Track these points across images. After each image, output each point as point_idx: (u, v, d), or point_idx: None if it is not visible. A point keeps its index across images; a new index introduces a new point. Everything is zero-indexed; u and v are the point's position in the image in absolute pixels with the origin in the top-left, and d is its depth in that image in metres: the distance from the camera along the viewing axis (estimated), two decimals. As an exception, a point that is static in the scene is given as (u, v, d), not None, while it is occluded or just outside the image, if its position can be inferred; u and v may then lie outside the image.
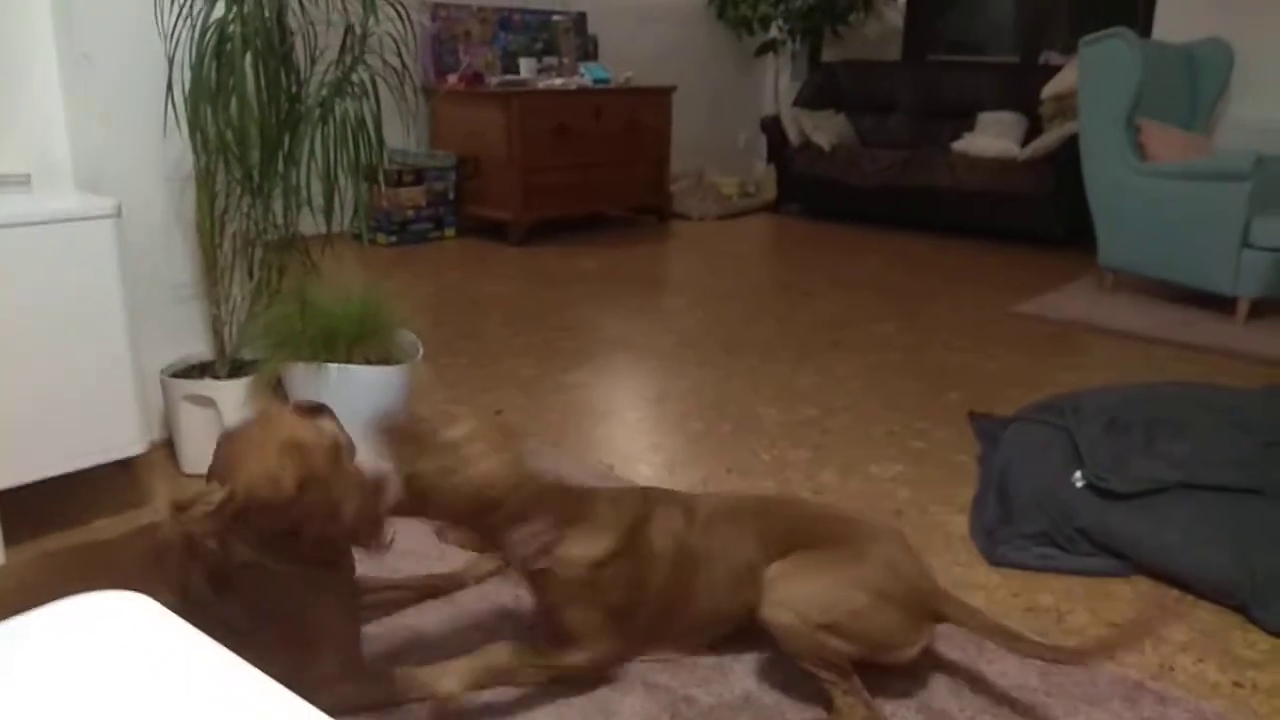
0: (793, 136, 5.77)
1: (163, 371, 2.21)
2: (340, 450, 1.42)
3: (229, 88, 2.00)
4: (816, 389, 3.00)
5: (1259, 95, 4.29)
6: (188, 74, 2.04)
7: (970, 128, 5.52)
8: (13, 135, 2.11)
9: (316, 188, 2.19)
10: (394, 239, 4.85)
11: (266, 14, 2.02)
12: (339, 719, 1.46)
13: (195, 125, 2.06)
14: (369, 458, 1.47)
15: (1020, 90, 5.48)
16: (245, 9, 2.00)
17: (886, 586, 1.47)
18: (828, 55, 6.55)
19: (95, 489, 2.19)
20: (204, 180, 2.15)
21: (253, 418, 1.44)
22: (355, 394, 2.20)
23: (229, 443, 1.39)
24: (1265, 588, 1.81)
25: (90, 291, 1.88)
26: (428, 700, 1.45)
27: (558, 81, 5.17)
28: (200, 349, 2.36)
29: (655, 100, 5.47)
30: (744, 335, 3.59)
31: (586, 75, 5.33)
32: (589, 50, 5.69)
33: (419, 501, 1.42)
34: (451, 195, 5.05)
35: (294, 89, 2.09)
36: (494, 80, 5.03)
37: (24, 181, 2.08)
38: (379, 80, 2.17)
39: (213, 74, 1.99)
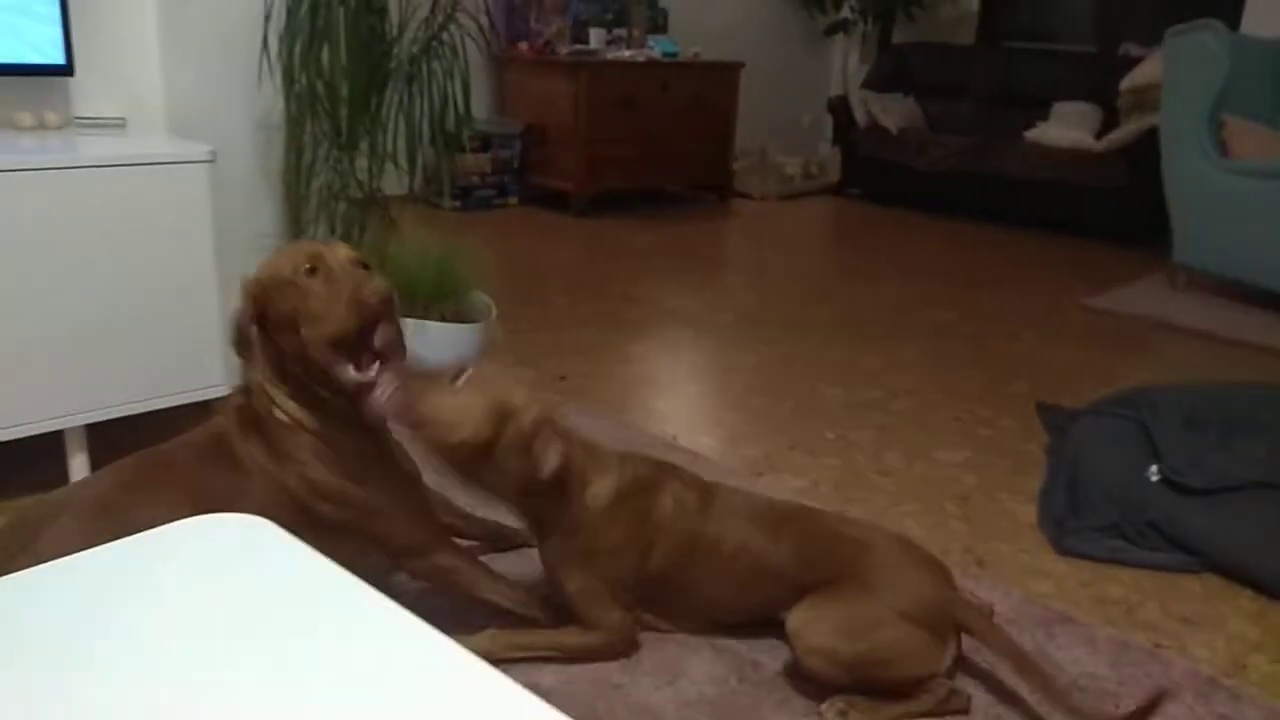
0: (860, 118, 5.70)
1: (244, 318, 2.26)
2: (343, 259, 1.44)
3: (323, 39, 2.02)
4: (879, 372, 2.98)
5: (1352, 94, 4.15)
6: (283, 23, 2.07)
7: (1044, 117, 5.40)
8: (109, 79, 2.15)
9: (400, 146, 2.22)
10: (458, 204, 4.88)
11: (362, -32, 2.04)
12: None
13: (288, 75, 2.09)
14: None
15: (1097, 81, 5.35)
16: (342, -38, 2.03)
17: (904, 606, 1.45)
18: (899, 37, 6.45)
19: (174, 429, 2.24)
20: (293, 131, 2.18)
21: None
22: (431, 349, 2.23)
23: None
24: (1345, 593, 1.78)
25: (182, 235, 1.92)
26: None
27: (626, 53, 5.15)
28: (279, 299, 2.40)
29: (723, 76, 5.43)
30: (805, 315, 3.57)
31: (655, 48, 5.31)
32: (659, 23, 5.66)
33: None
34: (516, 164, 5.07)
35: (386, 45, 2.11)
36: (564, 49, 5.03)
37: (119, 124, 2.13)
38: (467, 41, 2.18)
39: (308, 24, 2.01)
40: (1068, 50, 6.05)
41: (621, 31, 5.37)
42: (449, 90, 2.20)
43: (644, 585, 1.56)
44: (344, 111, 2.13)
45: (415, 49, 2.13)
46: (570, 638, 1.54)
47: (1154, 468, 2.07)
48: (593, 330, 3.22)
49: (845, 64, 6.73)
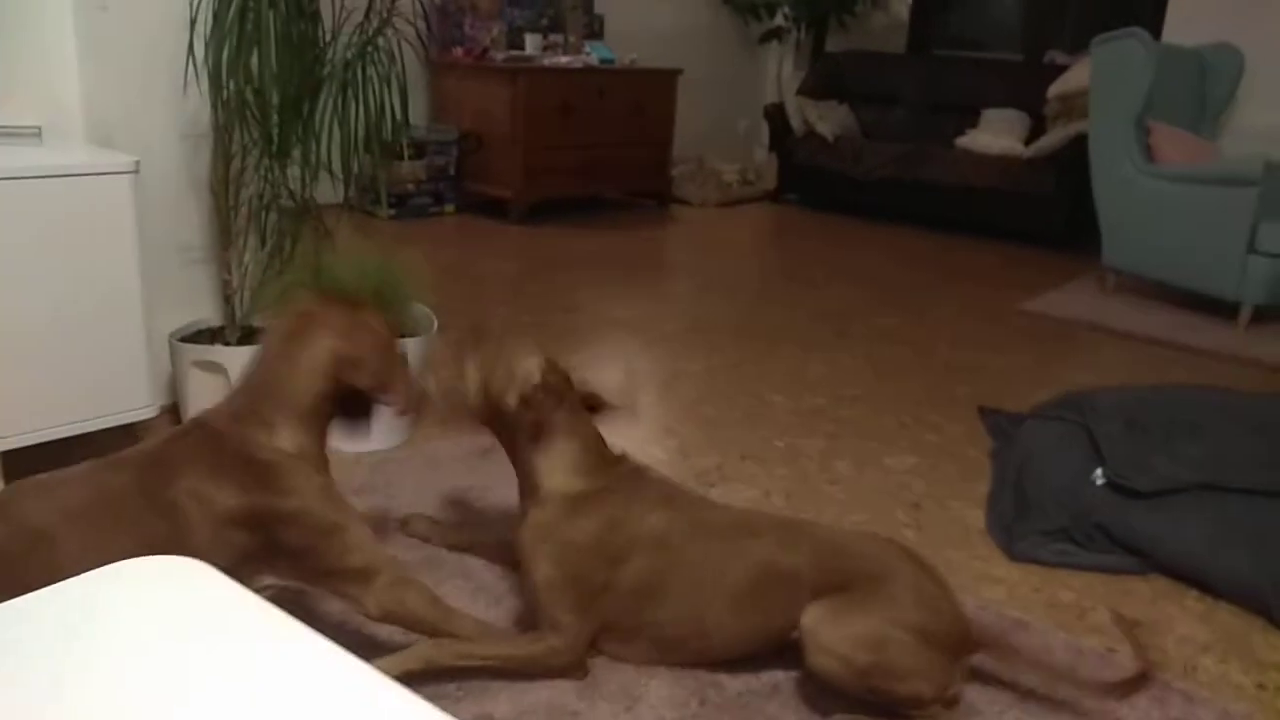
0: (796, 126, 5.74)
1: (171, 336, 2.16)
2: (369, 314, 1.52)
3: (253, 44, 1.94)
4: (825, 379, 2.98)
5: (1269, 101, 4.31)
6: (209, 28, 1.98)
7: (974, 124, 5.51)
8: (23, 85, 2.04)
9: (334, 154, 2.14)
10: (393, 213, 4.78)
11: (293, -30, 1.96)
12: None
13: (215, 81, 2.00)
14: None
15: (1024, 88, 5.47)
16: (272, -37, 1.95)
17: (924, 623, 1.43)
18: (832, 45, 6.51)
19: (98, 452, 2.13)
20: (221, 140, 2.09)
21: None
22: (370, 366, 2.15)
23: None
24: (1287, 591, 1.81)
25: (104, 250, 1.82)
26: None
27: (563, 59, 5.10)
28: (208, 314, 2.30)
29: (660, 83, 5.42)
30: (750, 322, 3.57)
31: (592, 54, 5.27)
32: (594, 29, 5.62)
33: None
34: (452, 171, 4.99)
35: (319, 50, 2.04)
36: (499, 55, 4.96)
37: (35, 134, 2.01)
38: (404, 46, 2.12)
39: (236, 29, 1.93)
40: (996, 59, 6.18)
41: (557, 38, 5.32)
42: (385, 96, 2.13)
43: (616, 607, 1.51)
44: (275, 119, 2.04)
45: (350, 54, 2.05)
46: (518, 648, 1.50)
47: (1099, 471, 2.10)
48: (537, 341, 3.15)
49: (780, 71, 6.78)
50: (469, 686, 1.47)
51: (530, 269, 4.13)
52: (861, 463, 2.40)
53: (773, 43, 6.63)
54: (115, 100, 2.09)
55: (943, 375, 3.07)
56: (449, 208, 5.02)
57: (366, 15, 2.09)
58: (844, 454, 2.45)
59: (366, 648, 1.51)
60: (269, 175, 2.12)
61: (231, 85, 1.99)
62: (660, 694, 1.50)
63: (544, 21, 5.39)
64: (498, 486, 2.08)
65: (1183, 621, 1.82)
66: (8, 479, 1.86)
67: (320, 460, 1.46)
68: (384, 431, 2.26)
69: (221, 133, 2.08)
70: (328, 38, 2.09)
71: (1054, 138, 5.05)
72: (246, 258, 2.21)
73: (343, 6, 2.05)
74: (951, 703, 1.45)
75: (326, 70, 2.05)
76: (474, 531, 1.89)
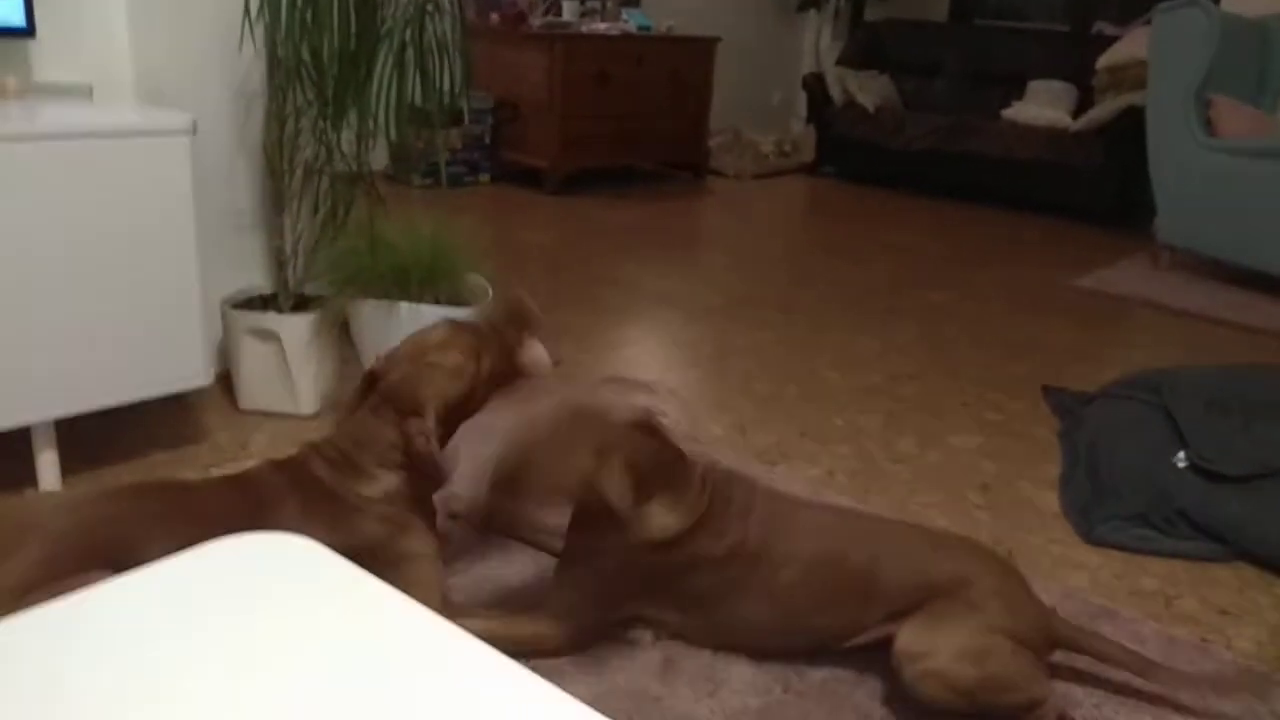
0: (836, 96, 5.61)
1: (224, 302, 2.10)
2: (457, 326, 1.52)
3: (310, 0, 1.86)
4: (878, 355, 2.90)
5: (1335, 74, 4.16)
6: (266, -16, 1.91)
7: (1019, 95, 5.37)
8: (73, 43, 1.97)
9: (389, 118, 2.07)
10: (429, 181, 4.71)
11: (351, -77, 1.89)
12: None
13: (271, 39, 1.93)
14: None
15: (1071, 59, 5.33)
16: (329, -84, 1.87)
17: (1014, 626, 1.35)
18: (871, 14, 6.37)
19: (150, 423, 2.09)
20: (275, 101, 2.02)
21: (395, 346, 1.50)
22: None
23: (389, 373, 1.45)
24: (1385, 581, 1.74)
25: (160, 213, 1.76)
26: None
27: (601, 26, 5.00)
28: (259, 281, 2.25)
29: (698, 51, 5.30)
30: (795, 297, 3.49)
31: (630, 22, 5.16)
32: (631, -4, 5.51)
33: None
34: (488, 140, 4.90)
35: (376, 6, 1.96)
36: (537, 21, 4.86)
37: (85, 93, 1.95)
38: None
39: (294, -16, 1.85)
40: (1041, 29, 6.03)
41: (595, 4, 5.22)
42: (445, 58, 2.05)
43: (670, 604, 1.46)
44: (331, 79, 1.97)
45: (410, 11, 1.97)
46: (523, 627, 1.44)
47: (1181, 454, 2.02)
48: (580, 314, 3.09)
49: (818, 40, 6.64)
50: (543, 667, 1.42)
51: (567, 240, 4.06)
52: (925, 441, 2.33)
53: (810, 11, 6.49)
54: (167, 58, 2.02)
55: (999, 352, 2.99)
56: (484, 177, 4.95)
57: (425, -29, 2.01)
58: (905, 432, 2.38)
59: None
60: (324, 138, 2.05)
61: (289, 43, 1.92)
62: (743, 679, 1.45)
63: (580, -13, 5.28)
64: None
65: (1272, 611, 1.75)
66: (61, 448, 1.81)
67: (412, 503, 1.44)
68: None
69: (276, 93, 2.01)
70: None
71: (1103, 110, 4.91)
72: (300, 223, 2.14)
73: (401, -38, 1.97)
74: (1061, 715, 1.38)
75: (385, 28, 1.97)
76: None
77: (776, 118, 6.70)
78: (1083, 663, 1.50)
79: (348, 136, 2.13)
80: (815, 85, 5.72)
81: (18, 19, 1.82)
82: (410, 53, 1.98)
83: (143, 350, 1.79)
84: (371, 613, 0.68)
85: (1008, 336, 3.14)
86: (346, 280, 2.08)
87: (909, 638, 1.34)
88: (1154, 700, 1.46)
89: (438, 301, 2.12)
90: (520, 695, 0.60)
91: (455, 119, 4.68)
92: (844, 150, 5.68)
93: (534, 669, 0.61)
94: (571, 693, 1.50)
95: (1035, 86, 5.36)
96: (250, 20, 1.95)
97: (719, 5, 6.14)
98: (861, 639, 1.41)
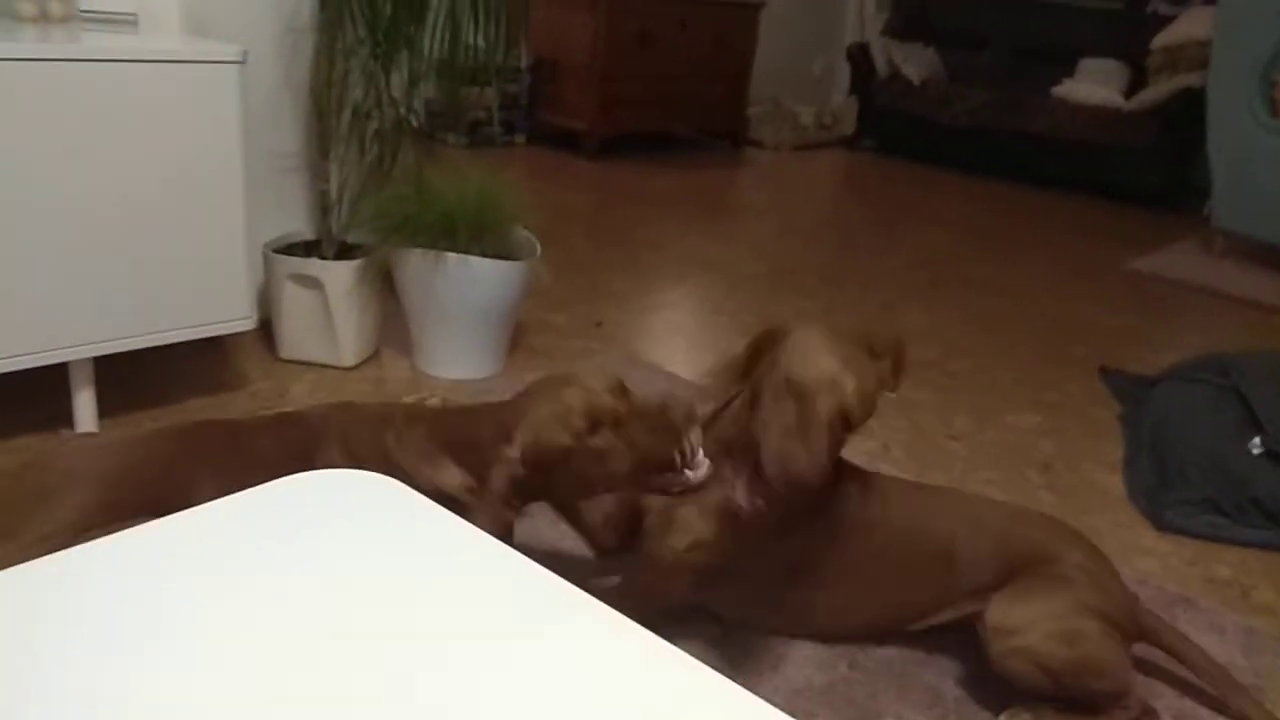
0: (881, 68, 5.48)
1: (266, 246, 2.04)
2: (625, 389, 1.25)
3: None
4: (927, 330, 2.81)
5: None
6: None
7: (1068, 73, 5.22)
8: (118, -30, 1.90)
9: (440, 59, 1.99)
10: (464, 140, 4.62)
11: None
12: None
13: (325, -28, 1.85)
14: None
15: (1124, 38, 5.17)
16: None
17: (1103, 607, 1.27)
18: (917, -14, 6.20)
19: (188, 369, 2.03)
20: (324, 38, 1.94)
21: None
22: (472, 287, 2.03)
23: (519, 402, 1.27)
24: None
25: (207, 147, 1.69)
26: None
27: (644, -14, 4.87)
28: (300, 227, 2.18)
29: (742, 17, 5.18)
30: (839, 267, 3.40)
31: (673, -17, 5.03)
32: (675, -43, 5.37)
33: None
34: (524, 100, 4.81)
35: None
36: (579, -21, 4.74)
37: (130, 21, 1.88)
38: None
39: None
40: (1093, 6, 5.85)
41: (638, -37, 5.08)
42: (499, 5, 1.96)
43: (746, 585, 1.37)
44: (385, 17, 1.89)
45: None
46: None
47: (1257, 440, 1.93)
48: (621, 276, 3.02)
49: (862, 10, 6.48)
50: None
51: (607, 204, 3.97)
52: (981, 419, 2.25)
53: (855, -20, 6.33)
54: (214, -11, 1.95)
55: (1052, 331, 2.89)
56: (520, 138, 4.85)
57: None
58: (960, 409, 2.30)
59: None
60: (374, 79, 1.97)
61: (341, -24, 1.84)
62: (805, 654, 1.38)
63: (623, -54, 5.15)
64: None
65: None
66: (99, 388, 1.76)
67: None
68: (481, 360, 2.15)
69: (326, 29, 1.93)
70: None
71: (1157, 90, 4.77)
72: (346, 168, 2.07)
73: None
74: (1149, 714, 1.30)
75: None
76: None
77: (817, 88, 6.56)
78: (1160, 657, 1.42)
79: (397, 81, 2.05)
80: (860, 56, 5.58)
81: (64, -59, 1.74)
82: (466, -5, 1.90)
83: (186, 289, 1.73)
84: (455, 550, 0.65)
85: (1059, 317, 3.05)
86: (392, 228, 2.01)
87: (1001, 612, 1.27)
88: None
89: (484, 254, 2.05)
90: (615, 638, 0.56)
91: (489, 78, 4.58)
92: (886, 124, 5.55)
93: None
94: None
95: (1086, 64, 5.21)
96: (303, -49, 1.87)
97: (763, -29, 5.99)
98: (943, 616, 1.34)
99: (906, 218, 4.25)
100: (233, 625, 0.53)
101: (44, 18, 1.76)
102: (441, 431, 1.26)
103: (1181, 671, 1.39)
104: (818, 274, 3.28)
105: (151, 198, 1.65)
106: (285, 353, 2.09)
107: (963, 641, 1.38)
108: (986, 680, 1.32)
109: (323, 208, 2.08)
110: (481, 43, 2.05)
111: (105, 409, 1.79)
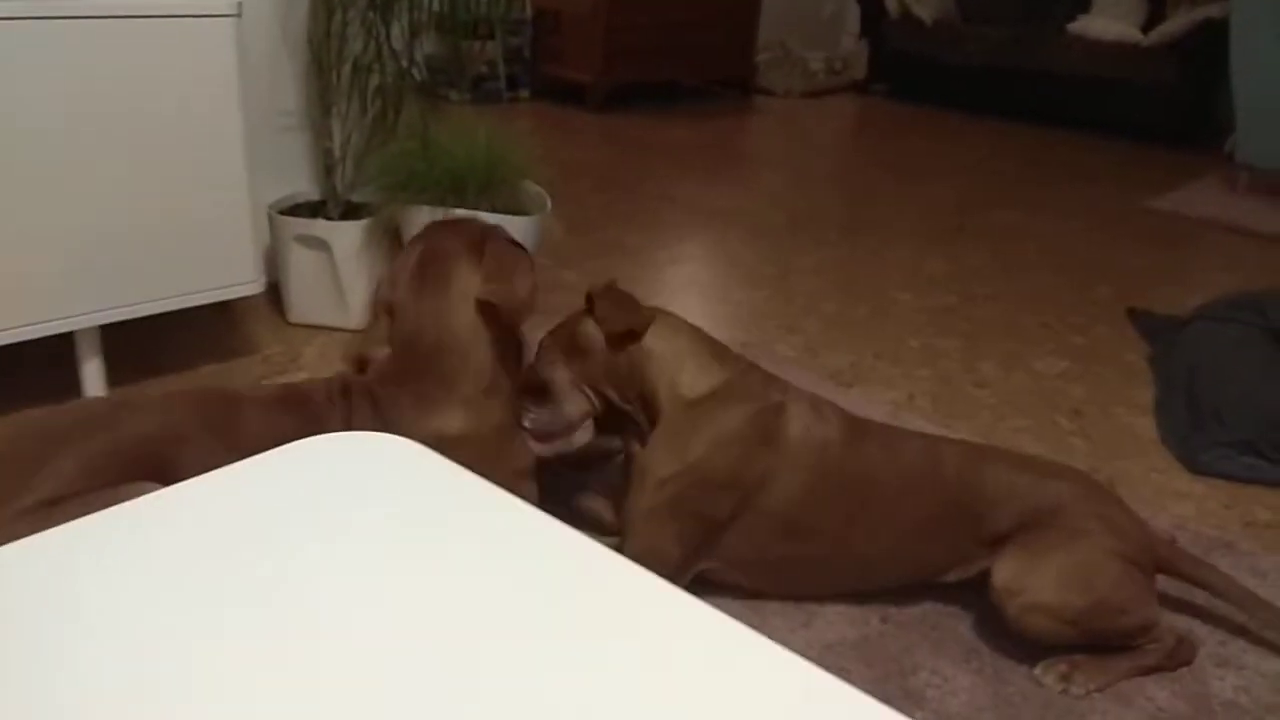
0: (891, 8, 5.34)
1: (271, 208, 1.99)
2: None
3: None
4: (950, 275, 2.75)
5: None
6: None
7: (1085, 8, 5.08)
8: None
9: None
10: (467, 96, 4.53)
11: None
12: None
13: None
14: None
15: (1143, -31, 5.01)
16: None
17: (1119, 547, 1.24)
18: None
19: (199, 335, 2.00)
20: (322, -12, 1.88)
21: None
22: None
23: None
24: None
25: (203, 104, 1.63)
26: None
27: (647, -69, 4.74)
28: (305, 187, 2.13)
29: (748, -41, 5.04)
30: (857, 216, 3.33)
31: (676, -73, 4.89)
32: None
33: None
34: (527, 53, 4.71)
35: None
36: (579, -75, 4.62)
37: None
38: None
39: None
40: (1109, -63, 5.67)
41: (639, -92, 4.94)
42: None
43: (750, 539, 1.31)
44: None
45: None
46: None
47: (1294, 379, 1.88)
48: (634, 231, 2.96)
49: (870, -49, 6.30)
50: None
51: (615, 157, 3.89)
52: (1008, 365, 2.20)
53: (863, -81, 6.15)
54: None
55: (1077, 274, 2.82)
56: (524, 93, 4.76)
57: None
58: (986, 355, 2.25)
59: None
60: (374, 31, 1.91)
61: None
62: (837, 610, 1.35)
63: (624, -110, 5.00)
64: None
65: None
66: (107, 356, 1.73)
67: (489, 437, 1.31)
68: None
69: (324, -21, 1.87)
70: None
71: (1177, 23, 4.63)
72: (348, 125, 2.01)
73: None
74: (1185, 644, 1.27)
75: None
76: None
77: (826, 33, 6.41)
78: (1201, 598, 1.39)
79: (397, 33, 1.99)
80: (869, -3, 5.44)
81: (47, -108, 1.67)
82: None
83: (190, 253, 1.68)
84: (478, 509, 0.62)
85: (1084, 258, 2.98)
86: (398, 186, 1.95)
87: (1006, 573, 1.24)
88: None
89: (494, 210, 1.99)
90: (643, 594, 0.54)
91: (490, 31, 4.49)
92: (898, 67, 5.42)
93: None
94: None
95: (1103, -2, 5.06)
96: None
97: (767, -88, 5.82)
98: (963, 571, 1.30)
99: (922, 164, 4.16)
100: (251, 591, 0.51)
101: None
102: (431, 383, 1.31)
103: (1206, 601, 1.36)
104: (836, 223, 3.21)
105: (150, 159, 1.60)
106: (295, 316, 2.05)
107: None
108: (1028, 644, 1.29)
109: (326, 167, 2.03)
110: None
111: (117, 378, 1.76)
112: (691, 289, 2.55)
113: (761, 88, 5.40)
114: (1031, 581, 1.23)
